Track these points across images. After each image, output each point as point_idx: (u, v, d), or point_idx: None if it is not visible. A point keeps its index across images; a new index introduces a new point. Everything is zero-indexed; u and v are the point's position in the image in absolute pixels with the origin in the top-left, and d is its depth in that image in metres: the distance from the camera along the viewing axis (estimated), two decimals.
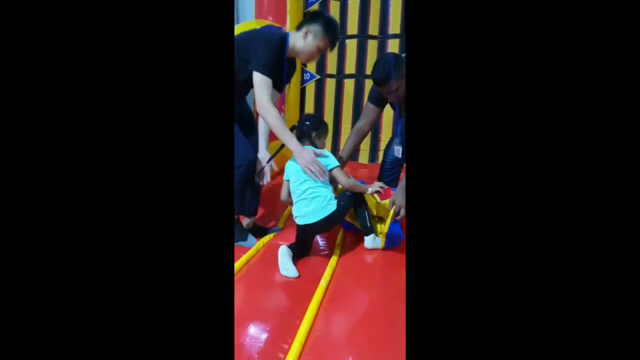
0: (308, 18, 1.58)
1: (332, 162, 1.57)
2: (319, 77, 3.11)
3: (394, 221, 1.55)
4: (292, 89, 2.76)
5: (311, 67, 3.11)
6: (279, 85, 1.63)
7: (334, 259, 1.56)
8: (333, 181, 1.62)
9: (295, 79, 2.96)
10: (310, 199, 1.49)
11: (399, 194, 1.54)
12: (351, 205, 1.55)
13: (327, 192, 1.52)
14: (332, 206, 1.48)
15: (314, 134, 1.61)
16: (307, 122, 1.63)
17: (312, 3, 2.97)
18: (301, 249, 1.54)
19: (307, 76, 3.12)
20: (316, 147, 1.60)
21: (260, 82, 1.49)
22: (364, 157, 3.05)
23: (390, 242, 1.57)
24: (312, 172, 1.47)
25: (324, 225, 1.52)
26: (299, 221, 1.52)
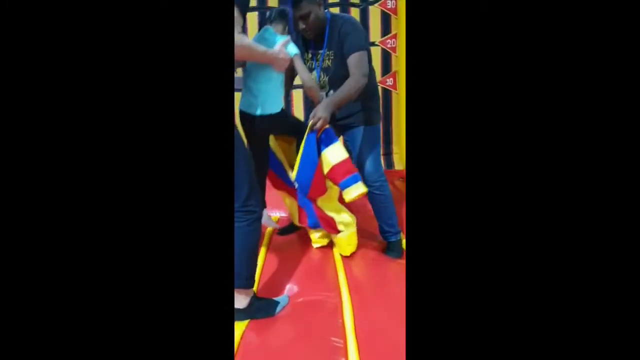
0: None
1: (292, 49, 1.52)
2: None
3: (311, 131, 1.51)
4: None
5: None
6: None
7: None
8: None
9: None
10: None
11: (322, 106, 1.50)
12: None
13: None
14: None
15: (282, 27, 1.57)
16: (285, 11, 1.60)
17: None
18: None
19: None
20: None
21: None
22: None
23: (306, 162, 1.55)
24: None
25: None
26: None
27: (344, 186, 1.56)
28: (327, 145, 1.55)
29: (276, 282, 1.58)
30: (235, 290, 1.34)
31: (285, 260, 1.73)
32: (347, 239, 1.72)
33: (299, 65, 1.52)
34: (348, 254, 1.73)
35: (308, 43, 1.72)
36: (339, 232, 1.70)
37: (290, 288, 1.54)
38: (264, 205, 1.47)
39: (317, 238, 1.84)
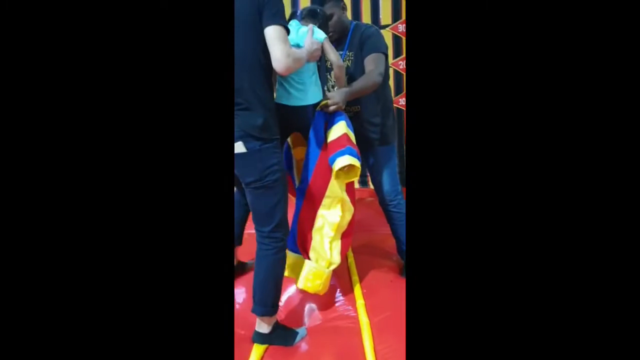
0: None
1: (319, 35, 1.53)
2: None
3: (321, 111, 1.49)
4: None
5: None
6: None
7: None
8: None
9: None
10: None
11: (339, 92, 1.52)
12: None
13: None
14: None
15: (318, 24, 1.60)
16: (317, 10, 1.64)
17: None
18: None
19: None
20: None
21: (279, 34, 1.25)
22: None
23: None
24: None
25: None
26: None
27: (332, 161, 1.43)
28: (332, 124, 1.51)
29: (295, 306, 1.55)
30: (258, 317, 1.35)
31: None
32: (311, 274, 1.47)
33: (327, 47, 1.52)
34: (300, 287, 1.49)
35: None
36: (308, 257, 1.50)
37: (308, 312, 1.51)
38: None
39: None
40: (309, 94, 1.50)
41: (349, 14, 2.83)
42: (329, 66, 1.76)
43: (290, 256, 1.50)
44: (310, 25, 1.50)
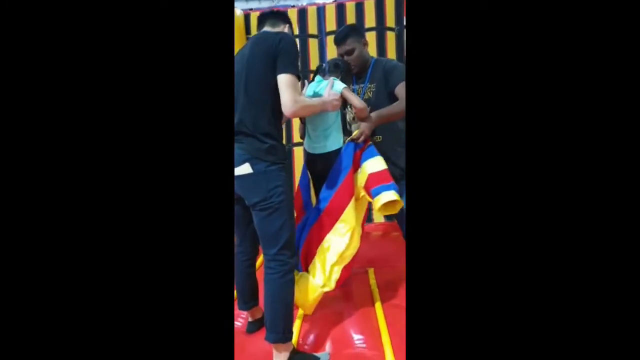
0: (277, 17, 1.51)
1: (338, 86, 1.60)
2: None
3: (351, 142, 1.59)
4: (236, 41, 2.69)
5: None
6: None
7: None
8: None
9: (239, 35, 2.91)
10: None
11: (368, 125, 1.60)
12: None
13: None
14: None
15: (340, 77, 1.69)
16: (337, 63, 1.74)
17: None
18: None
19: None
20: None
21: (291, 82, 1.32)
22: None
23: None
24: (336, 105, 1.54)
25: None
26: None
27: (376, 193, 1.52)
28: (367, 158, 1.59)
29: (316, 335, 1.55)
30: (273, 345, 1.31)
31: (325, 310, 1.69)
32: (305, 287, 1.55)
33: (348, 95, 1.61)
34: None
35: (351, 78, 1.85)
36: (307, 270, 1.59)
37: (331, 342, 1.50)
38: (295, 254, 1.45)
39: None
40: (329, 141, 1.63)
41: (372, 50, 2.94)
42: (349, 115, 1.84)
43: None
44: (331, 78, 1.62)
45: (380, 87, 1.78)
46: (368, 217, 2.87)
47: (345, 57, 1.79)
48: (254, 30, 2.96)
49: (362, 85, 1.84)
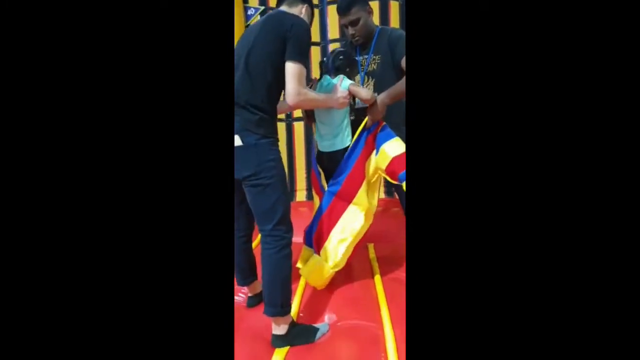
0: None
1: (345, 83, 1.60)
2: (262, 7, 2.81)
3: (366, 129, 1.60)
4: (236, 27, 2.56)
5: (253, 2, 2.85)
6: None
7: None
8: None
9: (238, 18, 2.74)
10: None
11: (378, 109, 1.58)
12: None
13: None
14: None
15: (347, 70, 1.68)
16: (341, 57, 1.68)
17: (251, 17, 2.86)
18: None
19: (251, 11, 2.79)
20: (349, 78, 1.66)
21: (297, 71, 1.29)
22: (301, 196, 2.91)
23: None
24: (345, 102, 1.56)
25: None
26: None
27: (403, 178, 1.51)
28: (385, 140, 1.57)
29: (315, 308, 1.58)
30: (272, 318, 1.34)
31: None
32: (316, 268, 1.62)
33: (355, 89, 1.60)
34: (302, 275, 1.68)
35: (354, 50, 1.80)
36: (318, 253, 1.63)
37: (330, 314, 1.53)
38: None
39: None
40: (337, 140, 1.67)
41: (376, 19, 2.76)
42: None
43: (307, 250, 1.67)
44: (341, 76, 1.62)
45: (386, 59, 1.71)
46: (389, 192, 2.90)
47: (350, 28, 1.71)
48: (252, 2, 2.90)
49: (366, 56, 1.77)
